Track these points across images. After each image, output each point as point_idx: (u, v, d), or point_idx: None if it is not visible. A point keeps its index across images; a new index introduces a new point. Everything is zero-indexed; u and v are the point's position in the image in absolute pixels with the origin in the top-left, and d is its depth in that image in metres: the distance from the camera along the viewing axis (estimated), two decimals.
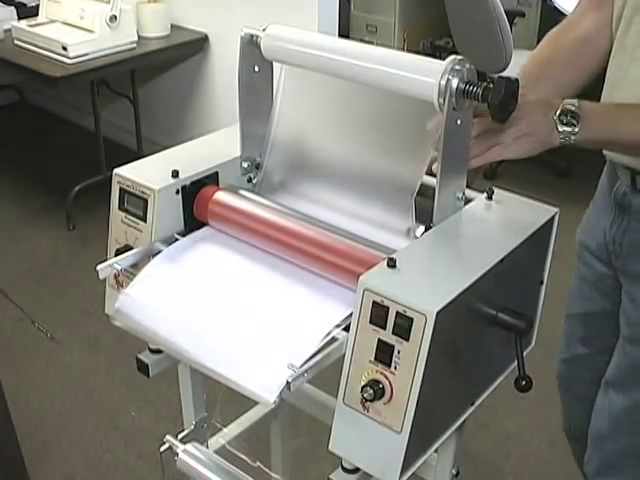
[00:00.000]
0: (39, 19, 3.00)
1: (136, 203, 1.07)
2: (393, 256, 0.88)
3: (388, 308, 0.83)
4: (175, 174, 1.08)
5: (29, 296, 2.74)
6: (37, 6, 3.06)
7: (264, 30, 1.06)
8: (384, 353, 0.84)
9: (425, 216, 0.99)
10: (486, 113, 0.94)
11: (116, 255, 1.07)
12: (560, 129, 1.02)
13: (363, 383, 0.85)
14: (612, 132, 1.07)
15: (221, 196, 1.10)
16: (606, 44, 1.25)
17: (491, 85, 0.89)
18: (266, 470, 1.31)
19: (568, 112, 1.02)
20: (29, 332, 2.56)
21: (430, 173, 0.97)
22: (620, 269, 1.28)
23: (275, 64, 1.10)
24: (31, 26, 2.92)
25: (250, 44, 1.07)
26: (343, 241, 0.99)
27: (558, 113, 1.02)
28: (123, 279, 1.11)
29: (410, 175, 0.99)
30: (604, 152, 1.26)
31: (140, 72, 3.22)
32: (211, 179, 1.12)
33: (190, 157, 1.15)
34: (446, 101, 0.90)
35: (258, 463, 1.28)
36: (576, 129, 1.02)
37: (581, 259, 1.38)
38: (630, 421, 1.32)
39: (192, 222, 1.11)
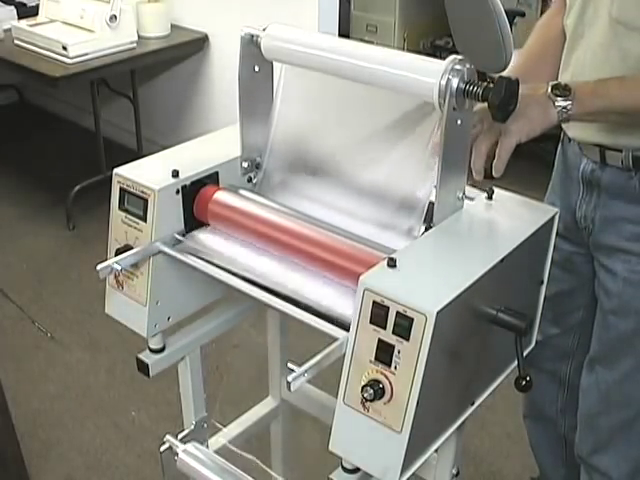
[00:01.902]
0: (39, 19, 2.99)
1: (136, 203, 1.07)
2: (393, 256, 0.88)
3: (388, 308, 0.83)
4: (175, 174, 1.08)
5: (29, 296, 2.74)
6: (37, 6, 3.06)
7: (264, 30, 1.06)
8: (384, 353, 0.84)
9: (426, 216, 0.99)
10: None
11: (116, 255, 1.07)
12: (557, 104, 1.05)
13: (363, 383, 0.85)
14: (604, 100, 1.11)
15: (221, 196, 1.10)
16: None
17: (491, 85, 0.89)
18: (266, 470, 1.31)
19: (559, 86, 1.06)
20: (29, 332, 2.56)
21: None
22: (594, 244, 1.32)
23: (275, 64, 1.10)
24: (31, 26, 2.91)
25: (250, 44, 1.07)
26: (343, 241, 0.99)
27: (550, 89, 1.05)
28: (123, 279, 1.11)
29: (414, 175, 1.00)
30: (571, 135, 1.30)
31: (140, 72, 3.22)
32: (211, 179, 1.12)
33: (190, 157, 1.15)
34: (446, 101, 0.90)
35: (258, 463, 1.28)
36: (570, 104, 1.05)
37: None
38: (620, 394, 1.34)
39: (192, 222, 1.11)
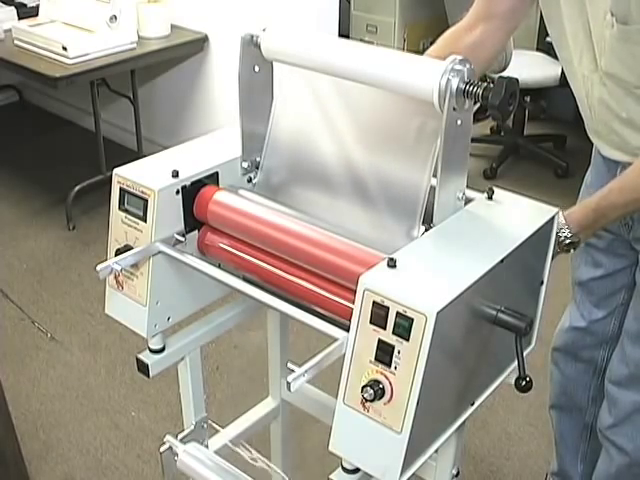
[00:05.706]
0: (39, 19, 3.00)
1: (136, 203, 1.07)
2: (393, 256, 0.88)
3: (388, 308, 0.83)
4: (175, 174, 1.08)
5: (29, 296, 2.74)
6: (37, 6, 3.06)
7: (264, 30, 1.06)
8: (384, 353, 0.84)
9: (425, 216, 0.99)
10: None
11: (116, 255, 1.07)
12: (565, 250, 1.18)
13: (363, 383, 0.85)
14: (604, 225, 1.25)
15: (221, 196, 1.10)
16: (491, 52, 1.37)
17: (491, 85, 0.89)
18: (266, 469, 1.31)
19: (570, 246, 1.17)
20: (29, 332, 2.56)
21: None
22: (634, 238, 1.37)
23: (275, 64, 1.10)
24: (31, 26, 2.92)
25: (250, 44, 1.07)
26: (343, 241, 0.99)
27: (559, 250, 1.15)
28: (123, 279, 1.11)
29: (413, 176, 1.00)
30: (603, 154, 1.33)
31: (140, 72, 3.22)
32: (211, 179, 1.12)
33: (190, 157, 1.15)
34: (446, 101, 0.90)
35: (259, 463, 1.28)
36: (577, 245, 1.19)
37: None
38: None
39: (192, 222, 1.11)
